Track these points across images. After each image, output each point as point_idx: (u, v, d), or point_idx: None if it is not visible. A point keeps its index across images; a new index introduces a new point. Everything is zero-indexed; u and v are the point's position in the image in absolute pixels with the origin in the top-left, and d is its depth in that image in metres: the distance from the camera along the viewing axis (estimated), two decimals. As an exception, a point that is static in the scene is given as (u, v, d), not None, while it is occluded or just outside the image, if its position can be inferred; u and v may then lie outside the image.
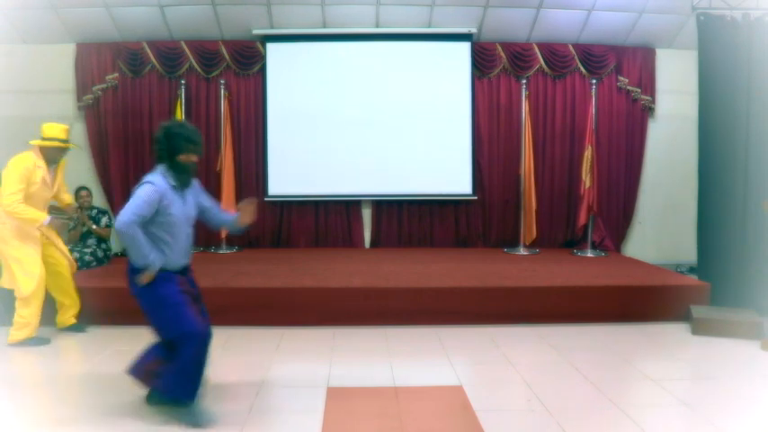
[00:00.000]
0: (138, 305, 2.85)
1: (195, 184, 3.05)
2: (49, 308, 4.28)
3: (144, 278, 2.75)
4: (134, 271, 2.82)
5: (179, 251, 2.90)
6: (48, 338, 4.10)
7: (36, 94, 6.57)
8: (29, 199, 3.92)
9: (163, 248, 2.83)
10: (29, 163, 3.91)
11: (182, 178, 2.86)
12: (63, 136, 4.09)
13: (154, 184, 2.77)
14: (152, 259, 2.75)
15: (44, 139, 4.04)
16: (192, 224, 3.01)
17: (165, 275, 2.82)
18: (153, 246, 2.80)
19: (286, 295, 4.61)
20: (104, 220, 5.76)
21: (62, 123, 4.21)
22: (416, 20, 6.58)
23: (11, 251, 3.95)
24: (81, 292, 4.42)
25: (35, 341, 4.01)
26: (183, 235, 2.91)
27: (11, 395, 3.21)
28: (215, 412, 2.87)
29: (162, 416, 2.88)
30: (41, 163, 3.99)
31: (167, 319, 2.80)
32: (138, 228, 2.70)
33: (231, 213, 3.17)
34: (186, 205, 2.92)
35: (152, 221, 2.78)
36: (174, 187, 2.85)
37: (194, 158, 2.89)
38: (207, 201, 3.10)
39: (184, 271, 2.99)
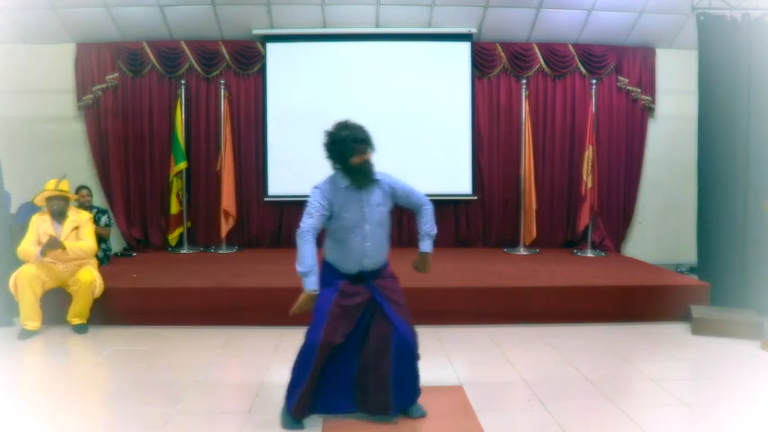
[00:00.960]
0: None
1: (384, 176, 2.87)
2: (55, 309, 4.37)
3: (295, 307, 2.70)
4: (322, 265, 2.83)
5: (353, 256, 2.78)
6: (31, 332, 4.24)
7: (36, 94, 6.56)
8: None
9: (339, 251, 2.80)
10: (36, 219, 4.46)
11: (357, 179, 2.72)
12: (50, 187, 4.41)
13: (319, 188, 2.74)
14: (307, 277, 2.67)
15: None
16: (381, 224, 2.84)
17: (329, 280, 2.78)
18: (334, 249, 2.81)
19: (286, 295, 4.54)
20: (104, 219, 5.76)
21: (62, 175, 4.56)
22: (416, 20, 6.58)
23: None
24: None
25: (25, 333, 4.24)
26: (359, 238, 2.75)
27: (10, 394, 3.21)
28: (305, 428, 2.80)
29: (159, 416, 2.87)
30: (46, 217, 4.46)
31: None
32: (311, 236, 2.66)
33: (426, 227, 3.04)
34: (367, 206, 2.77)
35: (330, 224, 2.76)
36: (347, 188, 2.73)
37: (367, 157, 2.74)
38: (400, 188, 2.93)
39: (361, 278, 2.82)
